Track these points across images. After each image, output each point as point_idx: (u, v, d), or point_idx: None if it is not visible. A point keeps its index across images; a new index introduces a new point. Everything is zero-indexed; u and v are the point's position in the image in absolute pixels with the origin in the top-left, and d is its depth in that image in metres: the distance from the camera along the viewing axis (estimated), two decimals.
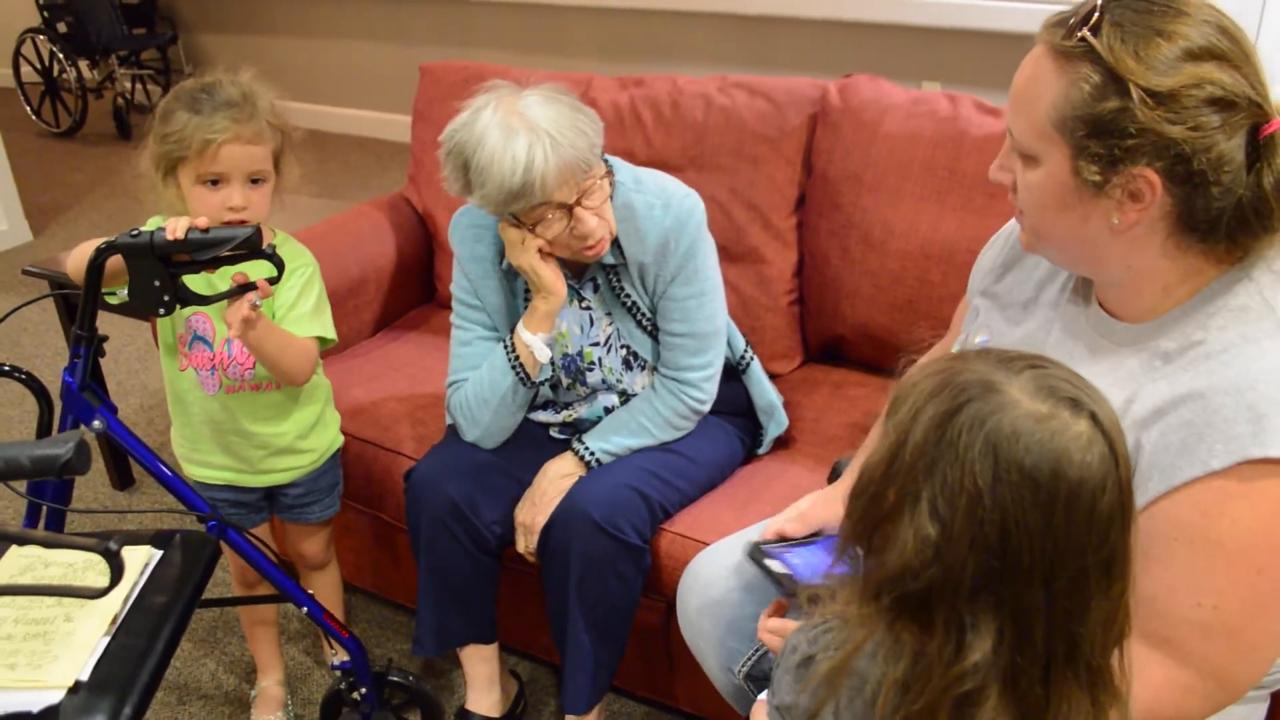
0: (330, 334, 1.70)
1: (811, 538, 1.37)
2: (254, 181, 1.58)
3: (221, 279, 1.57)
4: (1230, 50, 0.99)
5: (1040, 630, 0.79)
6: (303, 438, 1.76)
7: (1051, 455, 0.77)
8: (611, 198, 1.66)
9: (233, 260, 1.48)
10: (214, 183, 1.55)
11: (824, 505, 1.41)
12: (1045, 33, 1.05)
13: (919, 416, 0.82)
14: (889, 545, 0.82)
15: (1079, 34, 1.00)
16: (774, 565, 1.29)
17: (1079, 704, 0.82)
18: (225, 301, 1.50)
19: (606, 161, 1.66)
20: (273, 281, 1.50)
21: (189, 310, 1.61)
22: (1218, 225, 1.02)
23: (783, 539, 1.37)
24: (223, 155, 1.53)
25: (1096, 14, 1.00)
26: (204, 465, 1.75)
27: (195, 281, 1.53)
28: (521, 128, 1.51)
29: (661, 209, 1.67)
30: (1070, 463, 0.78)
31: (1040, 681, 0.80)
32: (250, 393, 1.68)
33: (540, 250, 1.62)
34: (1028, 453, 0.77)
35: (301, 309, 1.67)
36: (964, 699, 0.80)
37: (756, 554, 1.31)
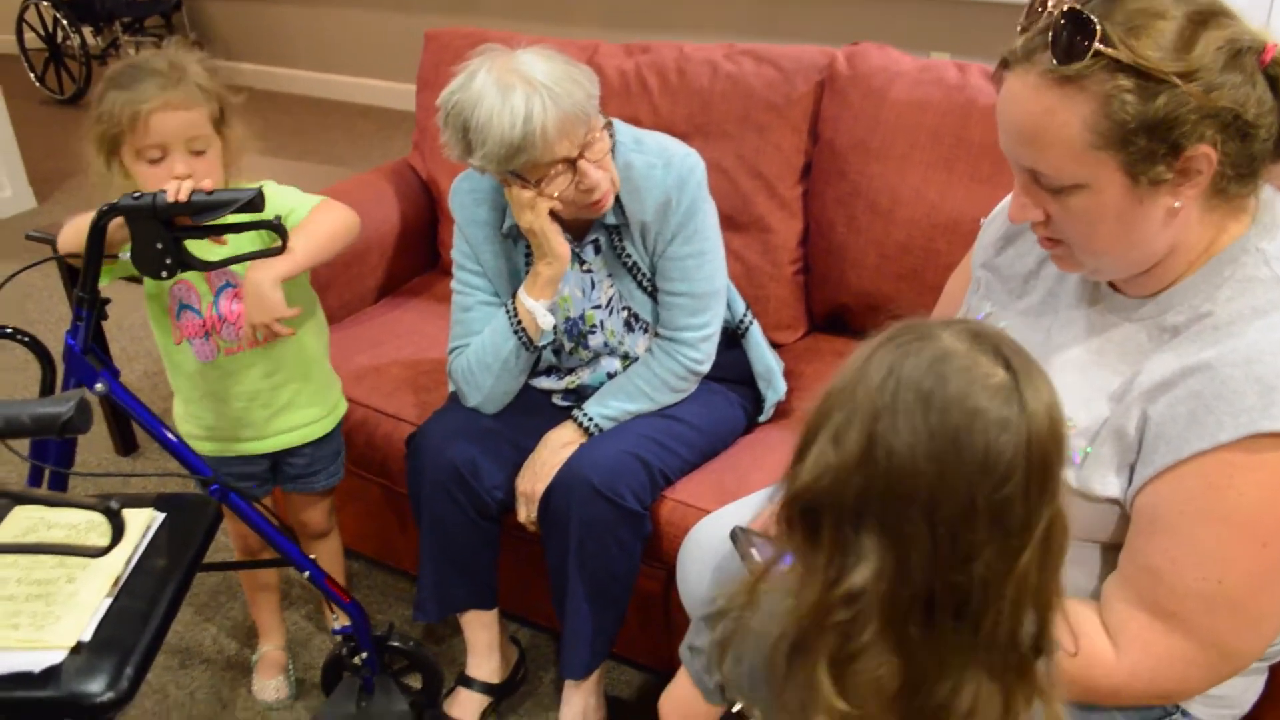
0: (313, 199, 1.64)
1: None
2: (197, 153, 1.55)
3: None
4: (1205, 3, 0.98)
5: (919, 565, 0.77)
6: (304, 388, 1.74)
7: (953, 387, 0.76)
8: (613, 157, 1.64)
9: (235, 229, 1.47)
10: (156, 159, 1.52)
11: None
12: (1029, 64, 1.01)
13: (855, 358, 0.82)
14: (800, 469, 0.82)
15: (1088, 51, 0.96)
16: (755, 554, 1.27)
17: (987, 693, 0.80)
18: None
19: (605, 119, 1.65)
20: (277, 252, 1.49)
21: (170, 282, 1.60)
22: (1258, 169, 1.02)
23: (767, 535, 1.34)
24: (154, 125, 1.50)
25: (1088, 27, 0.96)
26: (212, 439, 1.74)
27: (200, 246, 1.52)
28: (518, 82, 1.51)
29: (663, 168, 1.66)
30: (971, 395, 0.76)
31: (921, 625, 0.78)
32: (249, 350, 1.67)
33: (551, 211, 1.61)
34: (928, 377, 0.77)
35: (292, 202, 1.62)
36: (846, 632, 0.79)
37: (740, 537, 1.29)
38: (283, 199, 1.62)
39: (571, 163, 1.56)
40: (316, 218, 1.60)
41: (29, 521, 1.46)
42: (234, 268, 1.60)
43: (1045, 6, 1.01)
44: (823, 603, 0.80)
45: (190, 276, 1.61)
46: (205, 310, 1.64)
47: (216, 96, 1.58)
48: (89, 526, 1.45)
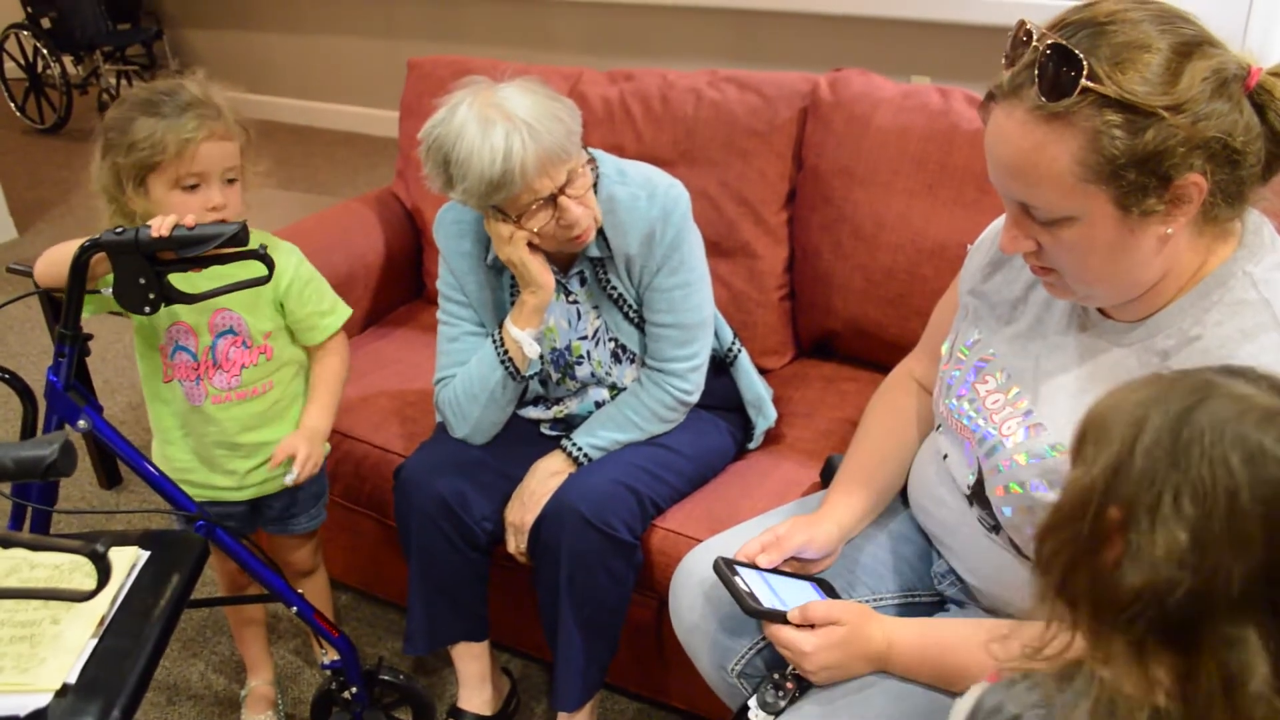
0: (346, 309, 1.73)
1: (780, 571, 1.34)
2: (228, 181, 1.55)
3: (207, 279, 1.55)
4: (1191, 34, 0.99)
5: None
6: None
7: None
8: (596, 189, 1.65)
9: (220, 259, 1.46)
10: (191, 186, 1.52)
11: (804, 527, 1.36)
12: (1016, 99, 1.01)
13: (1144, 425, 0.75)
14: (1123, 566, 0.74)
15: (1076, 87, 0.96)
16: (739, 583, 1.27)
17: None
18: (207, 304, 1.52)
19: (588, 152, 1.65)
20: (263, 281, 1.48)
21: (166, 321, 1.59)
22: (1246, 194, 1.02)
23: (753, 564, 1.34)
24: (201, 154, 1.51)
25: (1075, 63, 0.96)
26: (189, 485, 1.68)
27: (181, 280, 1.51)
28: (499, 118, 1.51)
29: (647, 200, 1.67)
30: None
31: None
32: (238, 401, 1.65)
33: (528, 243, 1.61)
34: (1274, 438, 0.71)
35: (319, 306, 1.69)
36: None
37: (724, 568, 1.29)
38: (317, 290, 1.70)
39: (552, 199, 1.56)
40: (333, 378, 1.74)
41: (11, 563, 1.44)
42: (234, 308, 1.61)
43: (1030, 40, 1.01)
44: (1224, 713, 0.72)
45: (189, 319, 1.60)
46: (201, 354, 1.63)
47: (245, 130, 1.59)
48: (73, 566, 1.43)
